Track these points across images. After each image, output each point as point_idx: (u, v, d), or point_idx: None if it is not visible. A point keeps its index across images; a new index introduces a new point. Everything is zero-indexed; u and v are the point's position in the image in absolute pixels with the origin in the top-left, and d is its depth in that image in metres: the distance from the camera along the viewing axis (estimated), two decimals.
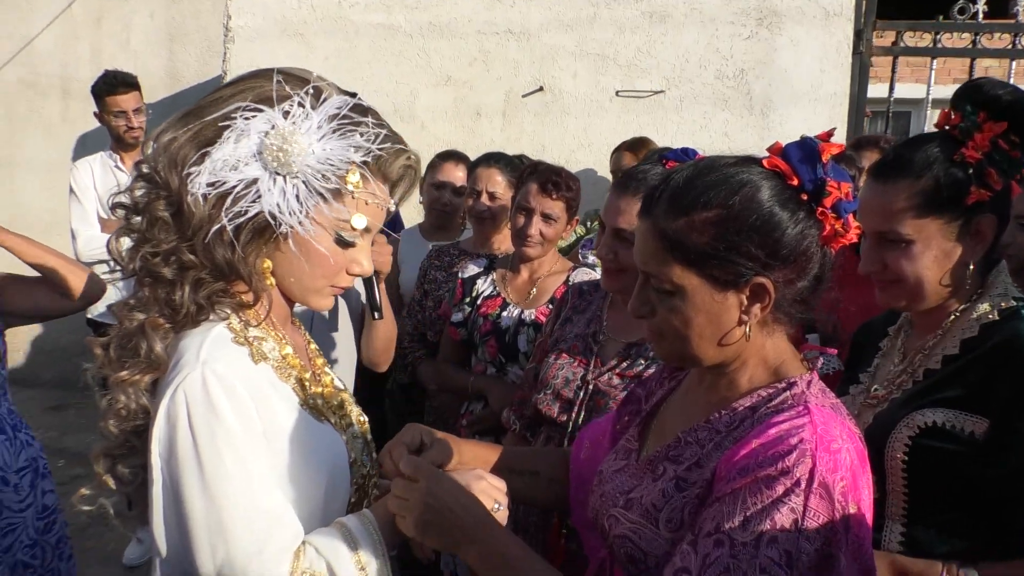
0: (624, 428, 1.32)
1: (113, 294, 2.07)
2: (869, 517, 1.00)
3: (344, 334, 2.28)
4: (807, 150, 1.02)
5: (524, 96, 4.59)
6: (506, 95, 4.59)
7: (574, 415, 1.90)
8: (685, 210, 1.03)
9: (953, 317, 1.40)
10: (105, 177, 3.73)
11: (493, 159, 2.92)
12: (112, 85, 3.71)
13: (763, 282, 1.02)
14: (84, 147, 5.04)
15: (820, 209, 1.02)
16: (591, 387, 1.90)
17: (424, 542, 1.11)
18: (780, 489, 0.95)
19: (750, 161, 1.06)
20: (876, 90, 4.62)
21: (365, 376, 2.33)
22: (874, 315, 1.69)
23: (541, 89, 4.56)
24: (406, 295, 3.09)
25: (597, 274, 2.41)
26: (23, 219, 5.07)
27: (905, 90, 4.72)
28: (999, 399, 1.28)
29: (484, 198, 2.82)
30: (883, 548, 1.35)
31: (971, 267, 1.37)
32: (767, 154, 1.06)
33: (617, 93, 4.45)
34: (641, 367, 1.84)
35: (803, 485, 0.94)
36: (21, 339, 5.61)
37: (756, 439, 0.99)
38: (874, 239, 1.39)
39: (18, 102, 5.41)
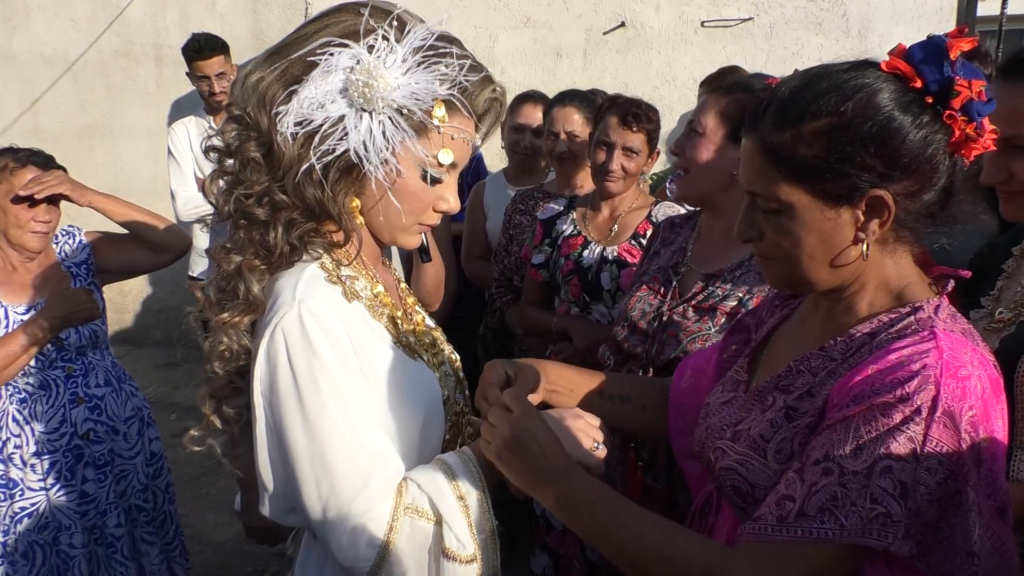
0: (732, 358, 1.27)
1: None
2: (1004, 450, 0.93)
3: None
4: (932, 48, 0.93)
5: (605, 33, 4.46)
6: (586, 33, 4.47)
7: (648, 347, 1.86)
8: (792, 122, 0.96)
9: None
10: (200, 138, 3.82)
11: (568, 97, 2.84)
12: (197, 50, 3.76)
13: (881, 195, 0.95)
14: (179, 111, 5.19)
15: (947, 112, 0.93)
16: (664, 319, 1.85)
17: (501, 471, 1.10)
18: (898, 417, 0.89)
19: (866, 65, 0.98)
20: (986, 7, 4.25)
21: (457, 322, 2.33)
22: None
23: (623, 25, 4.42)
24: (493, 241, 3.08)
25: (682, 209, 2.34)
26: (127, 186, 5.30)
27: (1019, 5, 4.33)
28: None
29: (563, 138, 2.76)
30: (1011, 477, 1.28)
31: None
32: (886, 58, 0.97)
33: (703, 24, 4.28)
34: (717, 299, 1.78)
35: (924, 413, 0.88)
36: (131, 300, 5.91)
37: (874, 364, 0.94)
38: (1000, 145, 1.27)
39: (115, 72, 5.61)
